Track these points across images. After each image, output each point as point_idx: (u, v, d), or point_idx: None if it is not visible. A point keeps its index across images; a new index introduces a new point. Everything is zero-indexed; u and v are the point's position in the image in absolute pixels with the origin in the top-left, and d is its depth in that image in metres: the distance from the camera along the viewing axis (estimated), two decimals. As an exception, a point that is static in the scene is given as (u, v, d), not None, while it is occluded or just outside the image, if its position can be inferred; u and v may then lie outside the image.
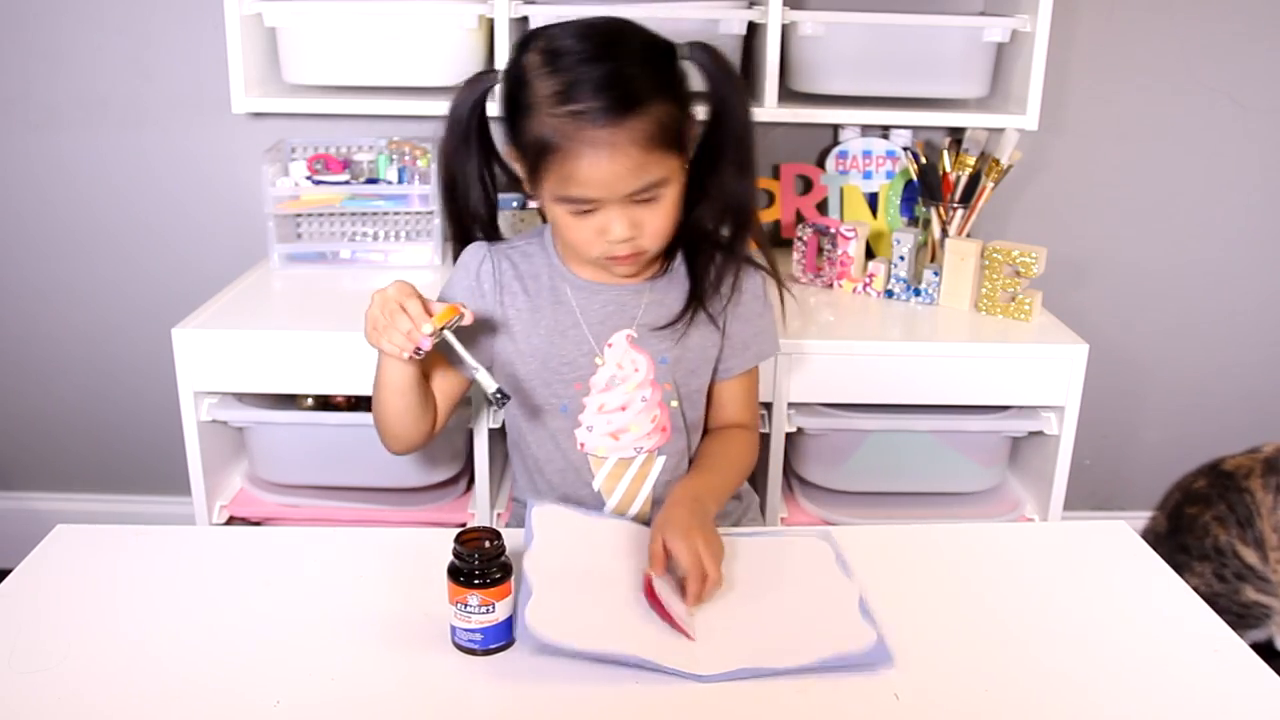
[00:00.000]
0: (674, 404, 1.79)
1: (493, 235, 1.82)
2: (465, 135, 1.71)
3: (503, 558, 1.38)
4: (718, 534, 1.58)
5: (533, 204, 1.77)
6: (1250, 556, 2.82)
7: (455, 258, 1.83)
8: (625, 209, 1.59)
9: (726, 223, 1.76)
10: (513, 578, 1.39)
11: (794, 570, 1.58)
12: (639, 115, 1.53)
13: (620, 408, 1.76)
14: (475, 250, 1.79)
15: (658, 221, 1.62)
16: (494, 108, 1.70)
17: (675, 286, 1.79)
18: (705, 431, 1.90)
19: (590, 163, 1.53)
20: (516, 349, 1.76)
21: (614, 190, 1.56)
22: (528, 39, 1.62)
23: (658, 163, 1.57)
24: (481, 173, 1.74)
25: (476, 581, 1.35)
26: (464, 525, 2.21)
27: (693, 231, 1.76)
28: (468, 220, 1.80)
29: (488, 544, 1.38)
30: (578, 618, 1.38)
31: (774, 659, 1.35)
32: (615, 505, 1.81)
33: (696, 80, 1.67)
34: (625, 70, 1.55)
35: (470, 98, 1.70)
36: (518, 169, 1.67)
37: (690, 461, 1.85)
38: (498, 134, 1.72)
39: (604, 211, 1.59)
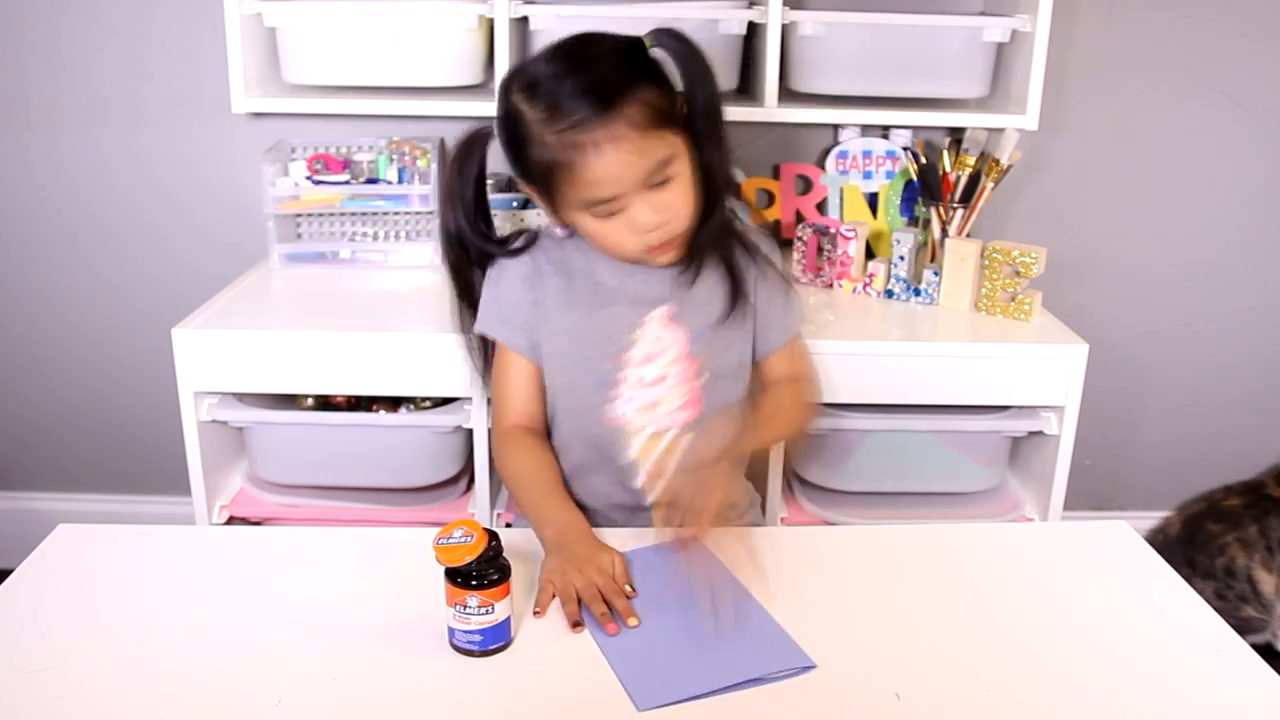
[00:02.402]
0: (706, 376, 1.81)
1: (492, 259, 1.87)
2: (469, 183, 1.78)
3: (500, 559, 1.38)
4: (718, 472, 1.60)
5: (559, 230, 1.80)
6: (1266, 584, 2.81)
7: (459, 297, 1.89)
8: (646, 197, 1.63)
9: (712, 195, 1.77)
10: (511, 578, 1.39)
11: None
12: (624, 105, 1.59)
13: (658, 379, 1.79)
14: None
15: (679, 200, 1.67)
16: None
17: (705, 267, 1.82)
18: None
19: (596, 162, 1.58)
20: (551, 328, 1.79)
21: (627, 179, 1.61)
22: (508, 81, 1.69)
23: (657, 141, 1.61)
24: (479, 214, 1.81)
25: (475, 583, 1.35)
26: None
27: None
28: (477, 262, 1.85)
29: (486, 545, 1.38)
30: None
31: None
32: (646, 477, 1.83)
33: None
34: (598, 72, 1.61)
35: (475, 156, 1.77)
36: (537, 201, 1.73)
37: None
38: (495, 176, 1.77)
39: (629, 206, 1.64)
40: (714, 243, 1.79)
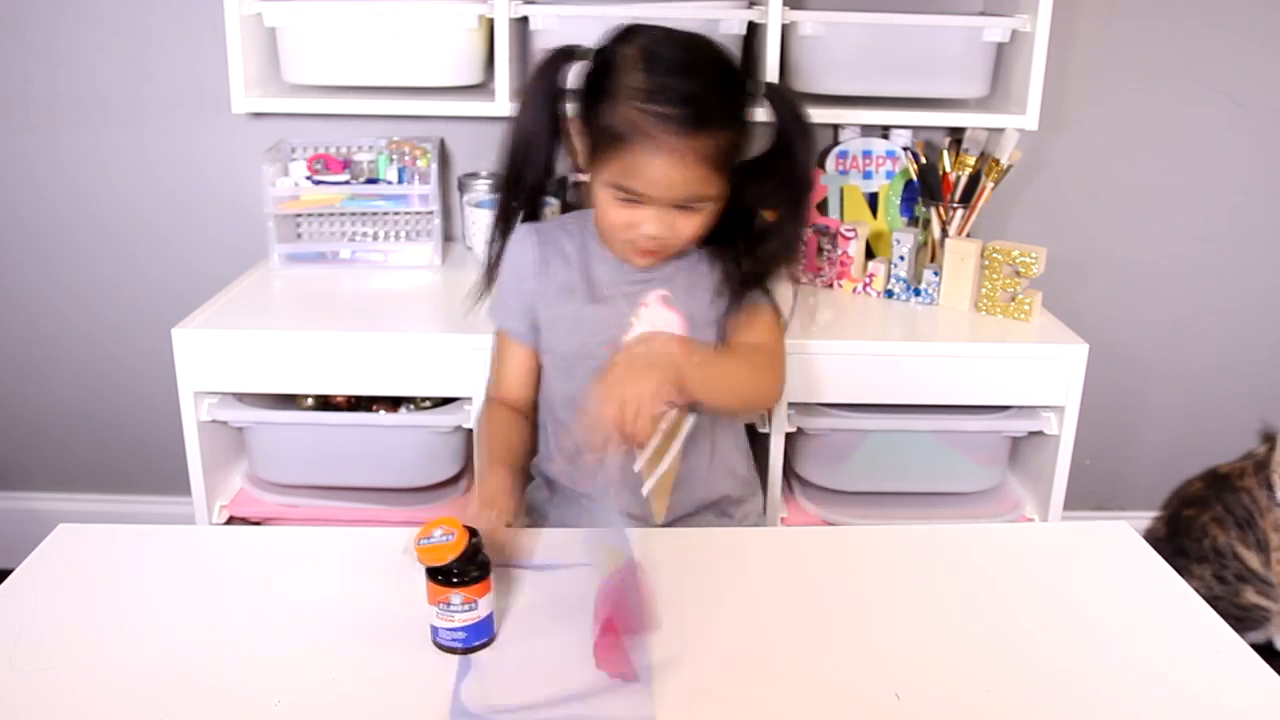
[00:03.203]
0: None
1: (537, 209, 1.90)
2: (548, 100, 1.75)
3: (480, 555, 1.39)
4: (659, 380, 1.54)
5: (578, 176, 1.84)
6: (1252, 560, 2.82)
7: (496, 235, 1.89)
8: (665, 212, 1.68)
9: (772, 256, 1.85)
10: (492, 574, 1.40)
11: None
12: (709, 134, 1.63)
13: None
14: (521, 233, 1.88)
15: (690, 230, 1.72)
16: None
17: (704, 268, 1.86)
18: None
19: (654, 164, 1.63)
20: (551, 315, 1.85)
21: (667, 194, 1.66)
22: (630, 32, 1.71)
23: (710, 181, 1.67)
24: (551, 143, 1.79)
25: (456, 580, 1.35)
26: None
27: (734, 248, 1.85)
28: (527, 190, 1.84)
29: (467, 543, 1.38)
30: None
31: None
32: (646, 459, 1.84)
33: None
34: (710, 89, 1.66)
35: (559, 70, 1.74)
36: (577, 142, 1.76)
37: (716, 427, 1.93)
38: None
39: (647, 209, 1.68)
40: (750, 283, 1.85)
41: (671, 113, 1.60)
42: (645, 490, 1.86)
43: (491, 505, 1.60)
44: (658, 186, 1.64)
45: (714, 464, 1.93)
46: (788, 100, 1.76)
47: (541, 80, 1.74)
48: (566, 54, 1.74)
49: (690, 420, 1.84)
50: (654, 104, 1.61)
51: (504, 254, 1.89)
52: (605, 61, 1.69)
